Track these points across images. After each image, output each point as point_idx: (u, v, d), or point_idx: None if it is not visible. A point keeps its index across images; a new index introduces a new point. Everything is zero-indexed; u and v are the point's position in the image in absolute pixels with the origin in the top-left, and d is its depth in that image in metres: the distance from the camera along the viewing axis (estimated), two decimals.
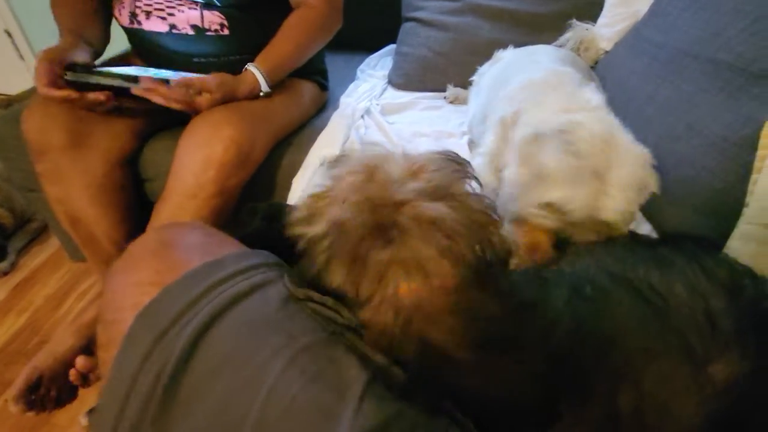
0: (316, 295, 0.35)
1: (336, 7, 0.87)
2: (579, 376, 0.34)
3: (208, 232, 0.43)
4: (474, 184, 0.37)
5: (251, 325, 0.33)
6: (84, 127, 0.74)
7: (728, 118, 0.58)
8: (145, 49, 0.84)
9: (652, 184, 0.54)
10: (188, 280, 0.34)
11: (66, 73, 0.69)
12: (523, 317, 0.35)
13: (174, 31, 0.78)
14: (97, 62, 0.80)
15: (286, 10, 0.83)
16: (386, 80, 1.13)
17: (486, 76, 0.88)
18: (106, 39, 0.85)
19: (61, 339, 0.65)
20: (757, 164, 0.52)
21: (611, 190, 0.51)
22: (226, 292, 0.33)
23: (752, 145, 0.53)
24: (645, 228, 0.64)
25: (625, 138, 0.54)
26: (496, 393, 0.33)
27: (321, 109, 0.99)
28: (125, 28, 0.82)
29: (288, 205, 0.66)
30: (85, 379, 0.65)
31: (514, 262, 0.55)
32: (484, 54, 0.94)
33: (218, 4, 0.77)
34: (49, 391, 0.57)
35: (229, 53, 0.82)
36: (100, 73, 0.70)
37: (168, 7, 0.77)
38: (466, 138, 0.87)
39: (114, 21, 0.84)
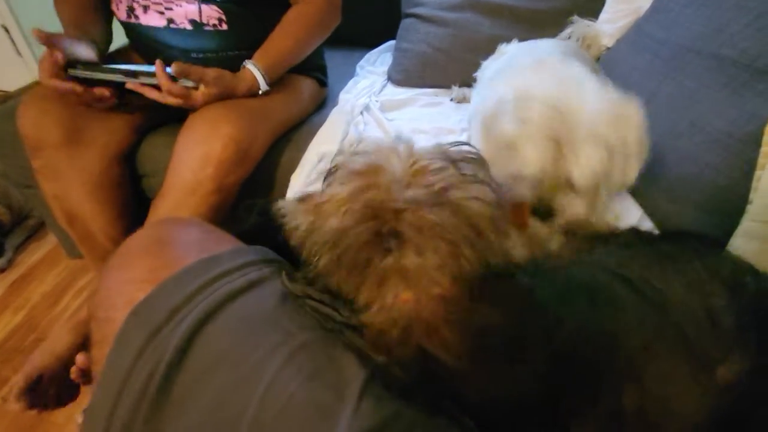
0: (314, 293, 0.34)
1: (334, 3, 0.86)
2: (582, 375, 0.33)
3: (204, 228, 0.42)
4: (478, 187, 0.35)
5: (247, 322, 0.32)
6: (80, 122, 0.73)
7: (732, 114, 0.58)
8: (143, 44, 0.83)
9: (631, 139, 0.52)
10: (183, 276, 0.33)
11: (68, 70, 0.68)
12: (525, 319, 0.35)
13: (172, 25, 0.77)
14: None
15: (285, 5, 0.82)
16: (386, 76, 1.12)
17: (488, 70, 0.88)
18: (108, 36, 0.85)
19: (58, 337, 0.64)
20: (761, 161, 0.51)
21: (569, 153, 0.51)
22: (221, 288, 0.33)
23: (756, 142, 0.52)
24: (647, 225, 0.63)
25: (586, 98, 0.53)
26: (496, 394, 0.32)
27: (320, 105, 0.98)
28: (123, 23, 0.82)
29: (276, 200, 0.65)
30: (87, 376, 0.65)
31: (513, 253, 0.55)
32: (485, 50, 0.93)
33: None
34: (50, 389, 0.56)
35: (227, 48, 0.81)
36: (103, 70, 0.69)
37: (166, 1, 0.76)
38: (466, 134, 0.86)
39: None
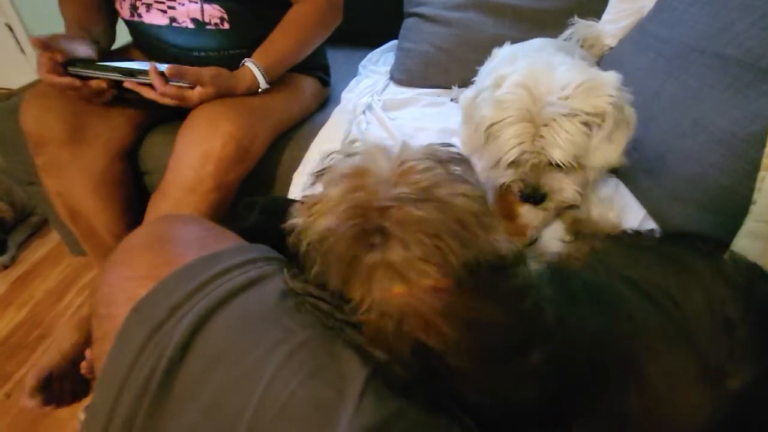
0: (314, 290, 0.34)
1: (335, 2, 0.86)
2: (585, 376, 0.33)
3: (205, 225, 0.42)
4: (467, 186, 0.36)
5: (248, 319, 0.32)
6: (82, 119, 0.74)
7: (736, 114, 0.57)
8: (146, 42, 0.84)
9: (605, 108, 0.52)
10: (184, 273, 0.33)
11: (67, 67, 0.68)
12: (523, 317, 0.35)
13: (174, 24, 0.77)
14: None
15: (287, 4, 0.82)
16: (388, 76, 1.12)
17: (484, 74, 0.87)
18: (111, 36, 0.85)
19: (63, 335, 0.65)
20: (765, 161, 0.51)
21: (543, 131, 0.51)
22: (222, 286, 0.33)
23: (760, 142, 0.52)
24: (650, 225, 0.63)
25: (556, 76, 0.53)
26: (496, 394, 0.32)
27: (322, 104, 0.98)
28: (126, 21, 0.82)
29: (287, 198, 0.65)
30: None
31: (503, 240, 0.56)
32: (487, 50, 0.92)
33: None
34: (63, 386, 0.57)
35: (229, 47, 0.81)
36: (100, 68, 0.69)
37: (168, 0, 0.76)
38: None
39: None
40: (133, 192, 0.82)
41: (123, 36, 0.89)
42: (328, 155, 0.39)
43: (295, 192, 0.80)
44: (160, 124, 0.86)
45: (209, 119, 0.70)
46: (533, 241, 0.64)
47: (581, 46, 0.94)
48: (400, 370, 0.31)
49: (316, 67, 0.95)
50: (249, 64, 0.77)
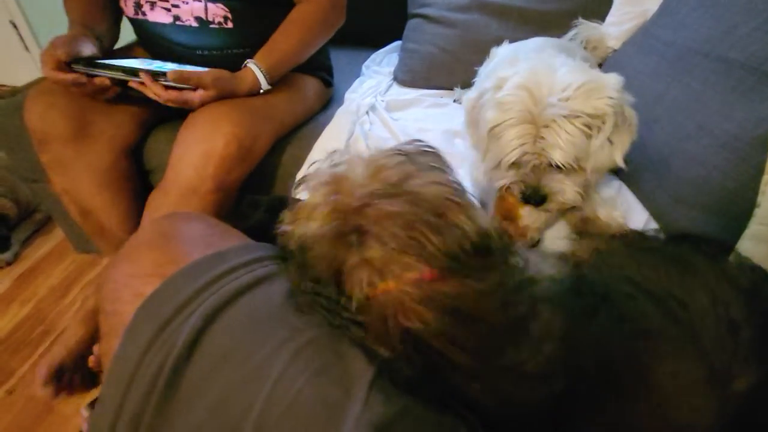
0: (321, 289, 0.35)
1: (338, 2, 0.86)
2: (593, 380, 0.33)
3: (210, 223, 0.43)
4: (437, 173, 0.37)
5: (255, 318, 0.32)
6: (87, 116, 0.74)
7: (740, 117, 0.57)
8: (150, 40, 0.84)
9: (606, 110, 0.52)
10: (191, 271, 0.34)
11: (71, 65, 0.69)
12: (517, 312, 0.35)
13: (178, 22, 0.78)
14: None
15: (290, 4, 0.82)
16: (391, 77, 1.12)
17: (483, 74, 0.88)
18: (115, 35, 0.86)
19: (71, 329, 0.66)
20: None
21: (544, 132, 0.52)
22: (229, 284, 0.33)
23: (764, 146, 0.52)
24: (653, 228, 0.63)
25: (557, 77, 0.54)
26: (500, 394, 0.32)
27: (325, 105, 0.99)
28: (130, 19, 0.82)
29: (291, 197, 0.66)
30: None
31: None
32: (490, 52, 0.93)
33: None
34: (74, 377, 0.58)
35: (232, 46, 0.82)
36: (104, 66, 0.70)
37: None
38: None
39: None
40: (140, 189, 0.83)
41: (127, 35, 0.90)
42: (311, 164, 0.40)
43: (298, 192, 0.80)
44: (163, 123, 0.86)
45: (211, 119, 0.70)
46: (536, 243, 0.64)
47: (584, 48, 0.94)
48: (405, 367, 0.31)
49: (319, 67, 0.96)
50: (251, 65, 0.77)
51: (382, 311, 0.31)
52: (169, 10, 0.77)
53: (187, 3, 0.76)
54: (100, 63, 0.70)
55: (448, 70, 1.05)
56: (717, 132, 0.59)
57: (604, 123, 0.52)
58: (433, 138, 0.86)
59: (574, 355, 0.34)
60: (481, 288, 0.32)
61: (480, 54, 0.96)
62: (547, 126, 0.51)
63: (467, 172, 0.71)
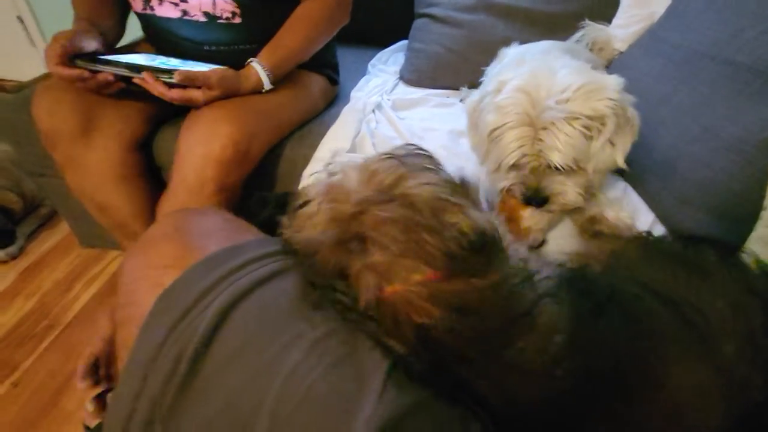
0: (336, 284, 0.35)
1: (344, 1, 0.86)
2: (606, 385, 0.33)
3: (225, 217, 0.43)
4: (429, 174, 0.37)
5: (271, 310, 0.33)
6: (94, 110, 0.74)
7: (746, 121, 0.58)
8: (157, 36, 0.84)
9: (605, 111, 0.53)
10: (208, 263, 0.34)
11: (75, 61, 0.69)
12: (534, 313, 0.35)
13: (186, 17, 0.78)
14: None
15: (297, 0, 0.82)
16: (397, 76, 1.12)
17: (491, 75, 0.88)
18: (120, 31, 0.86)
19: (102, 323, 0.67)
20: None
21: (542, 134, 0.52)
22: (245, 277, 0.34)
23: None
24: (658, 230, 0.63)
25: (556, 79, 0.54)
26: (506, 392, 0.33)
27: (331, 102, 0.99)
28: (138, 14, 0.82)
29: (291, 192, 0.66)
30: None
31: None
32: (497, 52, 0.93)
33: None
34: (108, 370, 0.59)
35: (239, 42, 0.82)
36: (107, 62, 0.70)
37: None
38: None
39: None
40: (153, 184, 0.83)
41: (131, 32, 0.90)
42: (310, 175, 0.40)
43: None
44: (171, 119, 0.87)
45: (209, 121, 0.70)
46: (540, 244, 0.64)
47: (591, 50, 0.95)
48: (417, 362, 0.32)
49: (325, 64, 0.96)
50: (254, 64, 0.77)
51: (393, 310, 0.32)
52: (177, 4, 0.77)
53: None
54: (104, 59, 0.70)
55: (454, 70, 1.05)
56: (723, 135, 0.60)
57: (603, 125, 0.53)
58: (439, 138, 0.86)
59: (580, 354, 0.35)
60: (485, 285, 0.33)
61: (486, 54, 0.97)
62: (545, 128, 0.52)
63: (473, 171, 0.71)
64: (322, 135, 0.85)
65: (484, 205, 0.54)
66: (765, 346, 0.33)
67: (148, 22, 0.83)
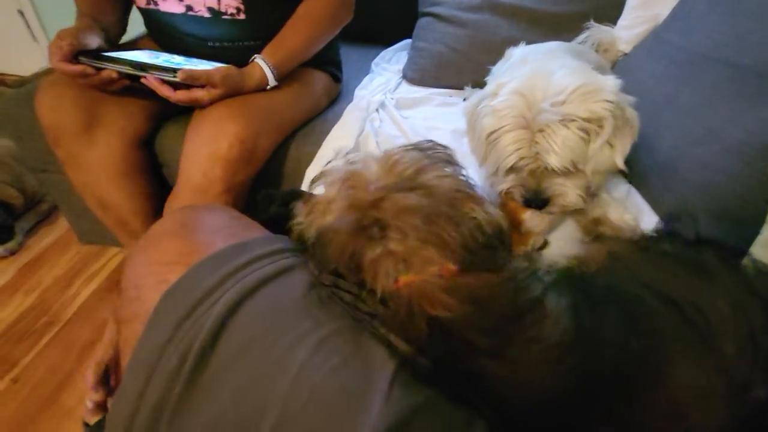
0: (342, 282, 0.35)
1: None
2: (607, 386, 0.33)
3: (232, 214, 0.43)
4: (450, 168, 0.38)
5: (278, 308, 0.33)
6: (97, 107, 0.74)
7: (749, 123, 0.58)
8: (160, 31, 0.84)
9: (602, 113, 0.52)
10: (214, 260, 0.34)
11: (78, 57, 0.69)
12: (543, 299, 0.35)
13: (190, 12, 0.77)
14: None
15: None
16: (401, 74, 1.12)
17: (497, 74, 0.88)
18: (122, 27, 0.85)
19: (109, 329, 0.66)
20: None
21: (538, 137, 0.52)
22: (252, 274, 0.33)
23: None
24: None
25: (553, 81, 0.54)
26: (517, 388, 0.33)
27: (334, 100, 0.99)
28: (142, 10, 0.82)
29: (305, 191, 0.66)
30: None
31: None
32: (501, 52, 0.93)
33: None
34: (119, 376, 0.58)
35: (243, 38, 0.82)
36: (110, 59, 0.70)
37: None
38: None
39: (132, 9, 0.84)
40: (155, 182, 0.83)
41: (133, 29, 0.90)
42: (322, 161, 0.40)
43: (313, 188, 0.80)
44: (173, 116, 0.86)
45: (214, 120, 0.70)
46: (542, 246, 0.64)
47: (595, 51, 0.95)
48: (425, 362, 0.32)
49: (328, 62, 0.96)
50: (258, 60, 0.77)
51: (408, 300, 0.32)
52: (181, 0, 0.77)
53: None
54: (107, 56, 0.70)
55: (458, 70, 1.05)
56: (726, 137, 0.60)
57: (601, 126, 0.52)
58: (442, 137, 0.86)
59: (581, 352, 0.34)
60: (496, 280, 0.33)
61: (490, 54, 0.97)
62: (541, 131, 0.52)
63: (474, 173, 0.71)
64: (325, 133, 0.85)
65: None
66: (766, 346, 0.33)
67: (151, 17, 0.82)
